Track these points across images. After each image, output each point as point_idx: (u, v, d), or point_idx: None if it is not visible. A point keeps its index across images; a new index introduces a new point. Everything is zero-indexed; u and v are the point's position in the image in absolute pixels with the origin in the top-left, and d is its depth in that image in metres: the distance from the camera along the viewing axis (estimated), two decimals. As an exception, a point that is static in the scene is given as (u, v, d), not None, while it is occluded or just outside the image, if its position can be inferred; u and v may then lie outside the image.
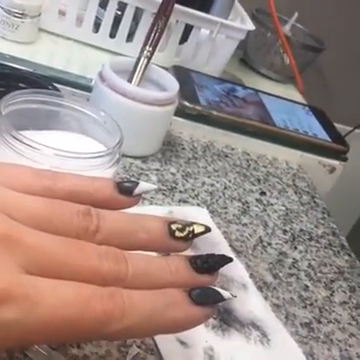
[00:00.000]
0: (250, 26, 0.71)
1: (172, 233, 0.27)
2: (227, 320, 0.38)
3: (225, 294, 0.26)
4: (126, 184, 0.28)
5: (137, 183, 0.29)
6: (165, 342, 0.34)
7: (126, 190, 0.28)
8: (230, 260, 0.27)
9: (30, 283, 0.22)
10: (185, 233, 0.27)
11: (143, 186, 0.29)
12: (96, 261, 0.24)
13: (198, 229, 0.27)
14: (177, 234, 0.27)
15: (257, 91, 0.74)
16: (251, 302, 0.40)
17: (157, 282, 0.25)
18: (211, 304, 0.25)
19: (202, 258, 0.26)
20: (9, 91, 0.44)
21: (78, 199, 0.27)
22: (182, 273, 0.26)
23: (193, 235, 0.27)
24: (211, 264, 0.26)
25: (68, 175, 0.28)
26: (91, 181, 0.28)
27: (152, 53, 0.55)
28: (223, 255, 0.27)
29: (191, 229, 0.27)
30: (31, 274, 0.22)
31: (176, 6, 0.61)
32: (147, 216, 0.27)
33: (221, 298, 0.25)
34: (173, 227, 0.27)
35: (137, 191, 0.28)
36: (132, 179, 0.33)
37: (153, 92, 0.52)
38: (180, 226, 0.27)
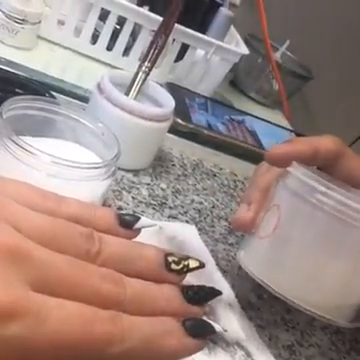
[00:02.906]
0: (244, 50, 0.73)
1: (168, 265, 0.28)
2: (213, 338, 0.38)
3: (217, 327, 0.27)
4: (127, 218, 0.29)
5: (138, 218, 0.29)
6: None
7: (126, 223, 0.29)
8: (219, 294, 0.28)
9: (38, 300, 0.22)
10: (180, 267, 0.28)
11: (143, 222, 0.29)
12: (97, 282, 0.25)
13: (193, 264, 0.28)
14: (172, 266, 0.28)
15: (246, 114, 0.76)
16: (237, 322, 0.41)
17: (150, 308, 0.26)
18: (203, 336, 0.26)
19: (193, 289, 0.28)
20: (6, 96, 0.44)
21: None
22: (174, 302, 0.27)
23: (187, 269, 0.28)
24: (202, 296, 0.28)
25: (72, 200, 0.28)
26: (93, 209, 0.29)
27: (150, 69, 0.56)
28: (213, 288, 0.28)
29: (186, 263, 0.28)
30: (37, 290, 0.22)
31: (176, 25, 0.62)
32: (146, 245, 0.28)
33: (213, 331, 0.26)
34: (169, 259, 0.28)
35: (137, 226, 0.29)
36: (135, 214, 0.33)
37: (150, 108, 0.53)
38: (176, 259, 0.28)
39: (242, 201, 0.43)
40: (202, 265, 0.29)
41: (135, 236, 0.29)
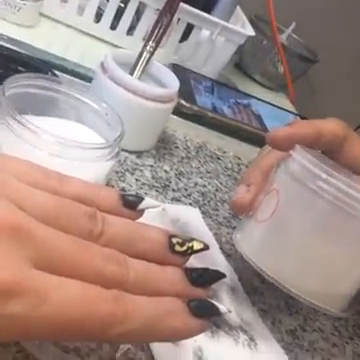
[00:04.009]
0: (250, 31, 0.72)
1: (172, 246, 0.27)
2: (216, 322, 0.38)
3: (221, 308, 0.26)
4: (131, 198, 0.28)
5: (142, 198, 0.29)
6: (156, 340, 0.33)
7: (130, 204, 0.28)
8: (223, 276, 0.28)
9: (40, 278, 0.22)
10: (184, 248, 0.27)
11: (147, 202, 0.29)
12: (101, 263, 0.24)
13: (197, 246, 0.28)
14: (176, 248, 0.27)
15: (251, 97, 0.75)
16: (240, 306, 0.40)
17: (153, 290, 0.26)
18: (208, 317, 0.26)
19: (197, 271, 0.27)
20: (7, 74, 0.43)
21: None
22: (178, 284, 0.26)
23: (192, 251, 0.28)
24: (206, 278, 0.27)
25: (75, 180, 0.28)
26: (97, 189, 0.28)
27: (155, 49, 0.55)
28: (217, 271, 0.28)
29: (190, 245, 0.28)
30: (38, 269, 0.22)
31: (180, 4, 0.61)
32: (150, 226, 0.28)
33: (217, 312, 0.26)
34: (173, 241, 0.27)
35: (141, 206, 0.28)
36: (138, 194, 0.32)
37: (155, 88, 0.52)
38: (180, 240, 0.28)
39: (241, 182, 0.42)
40: (206, 247, 0.28)
41: (139, 217, 0.29)
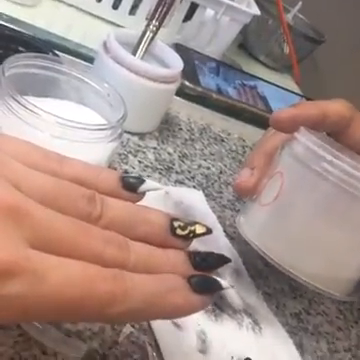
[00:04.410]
0: (255, 10, 0.70)
1: (173, 230, 0.27)
2: (220, 305, 0.37)
3: (224, 283, 0.26)
4: (131, 180, 0.28)
5: (143, 180, 0.28)
6: (159, 323, 0.33)
7: (130, 186, 0.27)
8: (228, 261, 0.27)
9: (37, 258, 0.21)
10: (186, 232, 0.27)
11: (149, 185, 0.28)
12: (100, 245, 0.24)
13: (199, 230, 0.27)
14: (178, 232, 0.27)
15: (258, 78, 0.73)
16: (244, 289, 0.40)
17: (155, 273, 0.25)
18: (209, 292, 0.25)
19: (201, 255, 0.27)
20: (8, 54, 0.42)
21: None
22: (180, 268, 0.26)
23: (194, 235, 0.27)
24: (210, 262, 0.27)
25: (75, 162, 0.27)
26: (97, 171, 0.27)
27: (158, 28, 0.54)
28: (222, 255, 0.27)
29: (193, 229, 0.27)
30: (36, 249, 0.22)
31: (184, -18, 0.60)
32: (152, 209, 0.27)
33: (220, 287, 0.26)
34: (175, 224, 0.27)
35: (141, 189, 0.28)
36: (139, 175, 0.31)
37: (158, 68, 0.51)
38: (182, 224, 0.27)
39: (245, 165, 0.41)
40: (209, 231, 0.28)
41: (139, 199, 0.28)
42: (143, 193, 0.28)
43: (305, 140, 0.36)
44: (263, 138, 0.44)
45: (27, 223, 0.22)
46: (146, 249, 0.25)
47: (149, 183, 0.28)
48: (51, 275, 0.21)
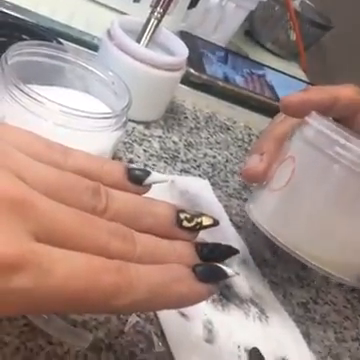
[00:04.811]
0: (261, -4, 0.69)
1: (179, 222, 0.26)
2: (227, 295, 0.37)
3: (229, 271, 0.25)
4: (137, 172, 0.27)
5: (149, 173, 0.27)
6: (165, 313, 0.33)
7: (136, 178, 0.27)
8: (236, 252, 0.27)
9: (42, 251, 0.21)
10: (192, 224, 0.26)
11: (155, 177, 0.28)
12: (105, 237, 0.23)
13: (206, 221, 0.27)
14: (184, 224, 0.26)
15: (267, 67, 0.72)
16: (251, 278, 0.40)
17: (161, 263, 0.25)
18: (215, 281, 0.25)
19: (208, 247, 0.26)
20: (11, 42, 0.41)
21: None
22: (187, 259, 0.26)
23: (200, 227, 0.27)
24: (217, 254, 0.26)
25: (79, 153, 0.27)
26: (102, 163, 0.27)
27: (162, 15, 0.53)
28: (229, 246, 0.27)
29: (199, 220, 0.27)
30: (40, 242, 0.21)
31: (189, -32, 0.59)
32: (157, 201, 0.27)
33: (225, 275, 0.25)
34: (181, 216, 0.26)
35: (147, 181, 0.27)
36: (144, 167, 0.31)
37: (163, 56, 0.50)
38: (188, 216, 0.27)
39: (253, 151, 0.41)
40: (216, 222, 0.27)
41: (145, 192, 0.28)
42: (149, 185, 0.28)
43: (317, 124, 0.35)
44: (271, 124, 0.43)
45: (31, 215, 0.21)
46: (152, 240, 0.25)
47: (155, 175, 0.28)
48: (56, 268, 0.21)
